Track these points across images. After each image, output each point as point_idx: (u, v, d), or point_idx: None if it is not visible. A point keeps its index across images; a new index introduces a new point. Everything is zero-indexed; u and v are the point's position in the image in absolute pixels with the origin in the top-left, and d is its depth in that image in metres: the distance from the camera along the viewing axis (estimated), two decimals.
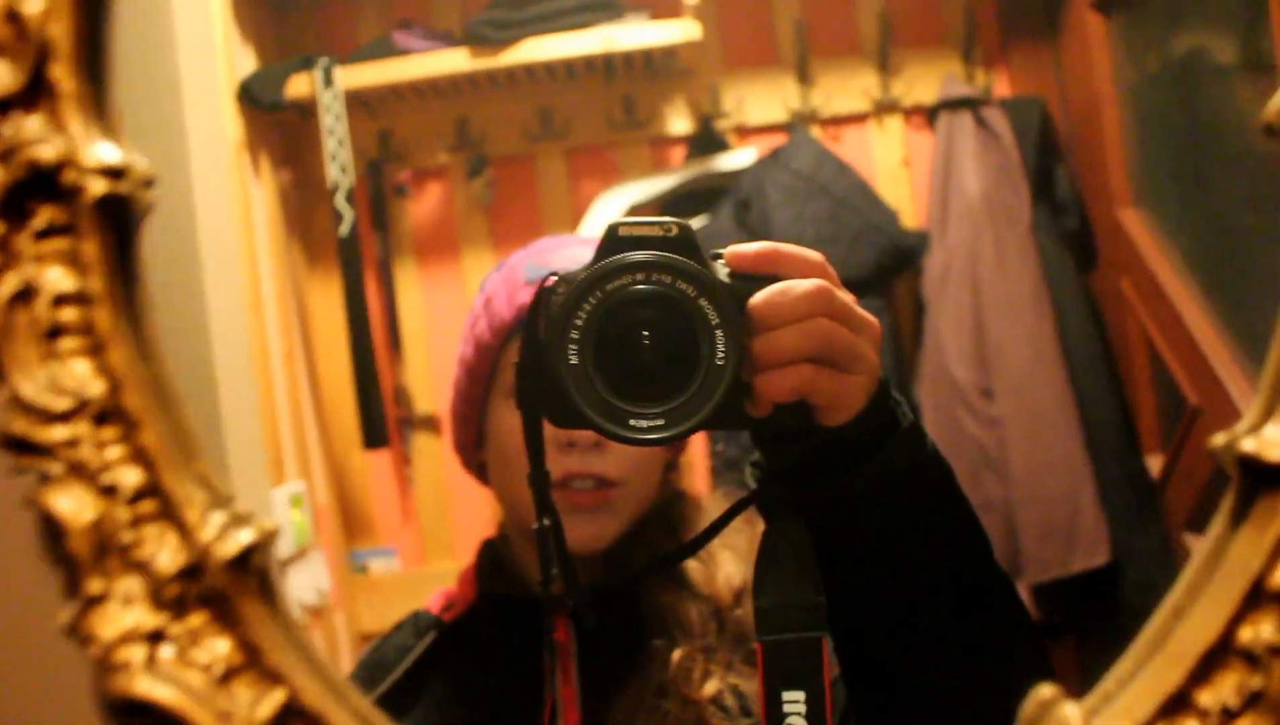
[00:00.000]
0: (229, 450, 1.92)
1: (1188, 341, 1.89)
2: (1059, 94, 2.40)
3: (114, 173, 0.37)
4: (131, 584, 0.37)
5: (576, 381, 0.67)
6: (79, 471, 0.37)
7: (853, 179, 2.32)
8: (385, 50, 2.25)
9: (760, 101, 2.45)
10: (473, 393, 1.09)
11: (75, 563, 0.37)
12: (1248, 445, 0.38)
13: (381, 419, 2.29)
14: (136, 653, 0.37)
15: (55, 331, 0.37)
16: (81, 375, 0.37)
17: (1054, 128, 2.35)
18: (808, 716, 0.70)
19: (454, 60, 2.23)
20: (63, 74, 0.38)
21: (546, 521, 0.84)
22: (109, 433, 0.38)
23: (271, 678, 0.38)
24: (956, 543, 0.77)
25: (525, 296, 1.03)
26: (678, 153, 2.47)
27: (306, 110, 2.23)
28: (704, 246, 0.69)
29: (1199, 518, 1.98)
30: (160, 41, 1.86)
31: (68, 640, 0.37)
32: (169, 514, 0.38)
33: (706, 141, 2.42)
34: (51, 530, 0.37)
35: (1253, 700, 0.37)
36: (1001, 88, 2.45)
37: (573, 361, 0.67)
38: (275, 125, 2.33)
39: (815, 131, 2.42)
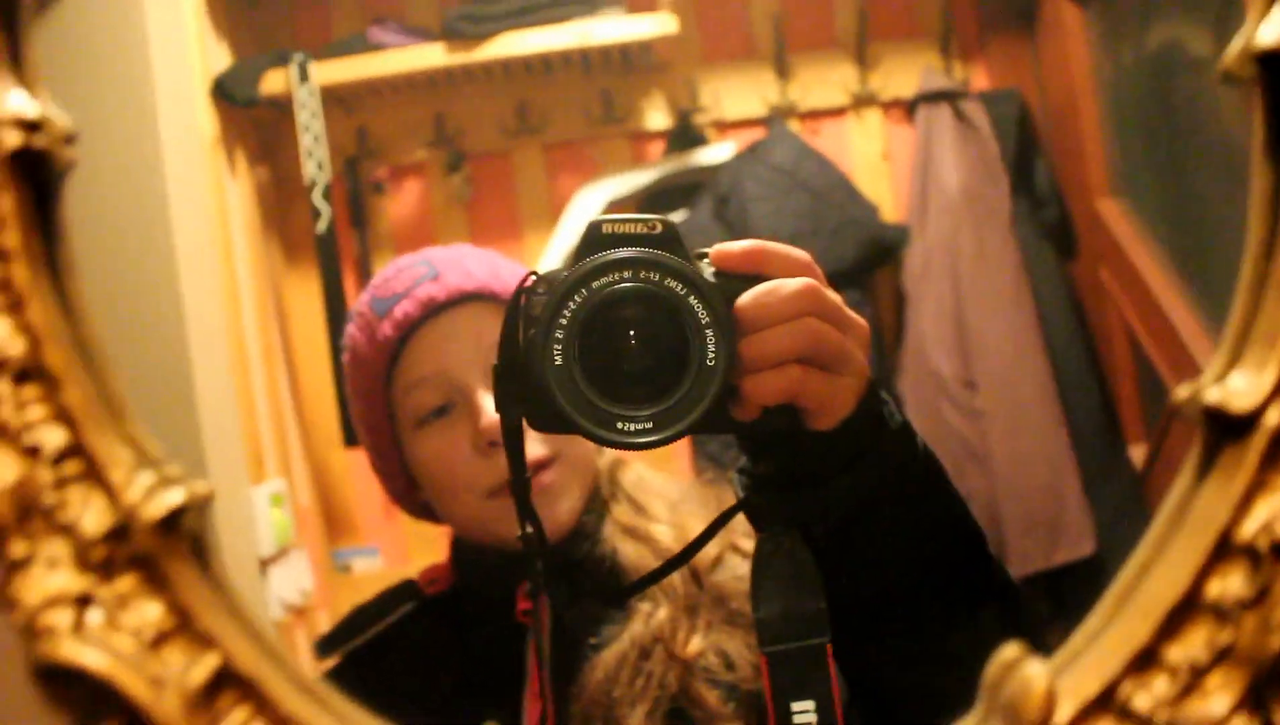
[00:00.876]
0: (207, 448, 1.90)
1: (1168, 330, 1.89)
2: (1037, 86, 2.40)
3: (30, 126, 0.36)
4: (57, 547, 0.36)
5: (560, 383, 0.65)
6: (0, 432, 0.36)
7: (832, 173, 2.31)
8: (361, 46, 2.24)
9: (738, 96, 2.44)
10: (381, 444, 1.08)
11: None
12: (1212, 396, 0.37)
13: None
14: (63, 617, 0.35)
15: None
16: (0, 334, 0.36)
17: (1032, 120, 2.35)
18: None
19: (430, 55, 2.22)
20: None
21: (529, 529, 0.82)
22: (30, 392, 0.36)
23: (204, 642, 0.36)
24: (951, 539, 0.76)
25: (386, 329, 1.03)
26: (656, 148, 2.46)
27: (282, 106, 2.22)
28: (688, 244, 0.67)
29: None
30: (133, 38, 1.84)
31: None
32: (94, 475, 0.36)
33: (685, 136, 2.41)
34: None
35: (1222, 655, 0.36)
36: (980, 81, 2.45)
37: (557, 362, 0.65)
38: (250, 122, 2.31)
39: (794, 126, 2.42)
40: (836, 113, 2.45)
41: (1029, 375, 2.19)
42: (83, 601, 0.36)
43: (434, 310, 1.04)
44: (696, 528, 0.84)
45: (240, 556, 1.98)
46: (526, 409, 0.70)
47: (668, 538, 1.02)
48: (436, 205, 2.48)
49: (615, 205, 2.33)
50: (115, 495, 0.36)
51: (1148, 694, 0.36)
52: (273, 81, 2.19)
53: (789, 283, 0.66)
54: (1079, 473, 2.12)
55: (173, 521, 0.36)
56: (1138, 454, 2.17)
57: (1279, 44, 0.37)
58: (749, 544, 0.80)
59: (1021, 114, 2.31)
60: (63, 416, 0.36)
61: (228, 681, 0.36)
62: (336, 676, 1.07)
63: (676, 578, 0.99)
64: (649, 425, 0.65)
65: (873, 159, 2.45)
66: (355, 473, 2.50)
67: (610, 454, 1.09)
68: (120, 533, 0.36)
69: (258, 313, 2.25)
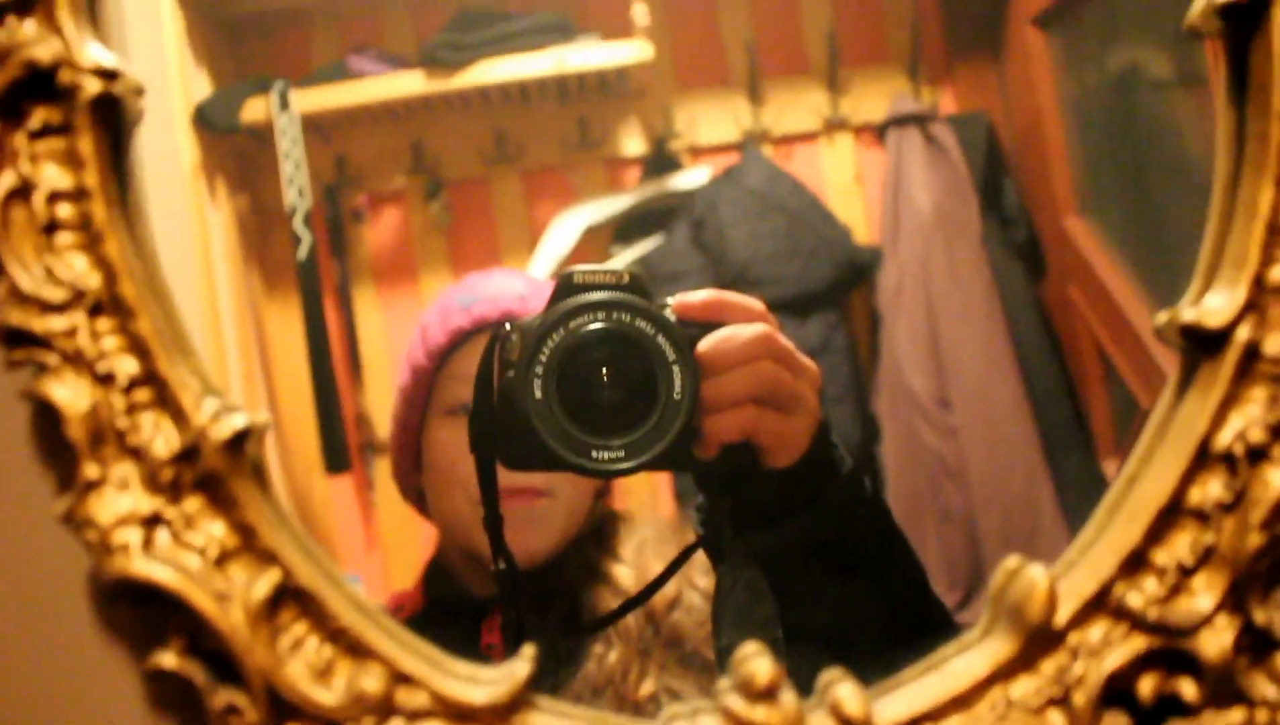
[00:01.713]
0: None
1: (1136, 345, 1.94)
2: (1004, 108, 2.46)
3: (108, 75, 0.39)
4: (127, 469, 0.38)
5: (540, 415, 0.70)
6: (76, 361, 0.38)
7: (806, 196, 2.35)
8: (340, 74, 2.27)
9: (712, 121, 2.48)
10: (410, 419, 1.14)
11: (72, 450, 0.38)
12: (1188, 315, 0.40)
13: (343, 444, 2.28)
14: (133, 535, 0.38)
15: (52, 227, 0.38)
16: (78, 268, 0.38)
17: (1000, 142, 2.40)
18: None
19: (409, 83, 2.25)
20: None
21: (503, 564, 0.87)
22: (105, 323, 0.39)
23: (266, 558, 0.39)
24: (894, 578, 0.81)
25: (459, 320, 1.10)
26: (633, 173, 2.50)
27: (262, 135, 2.24)
28: (654, 291, 0.73)
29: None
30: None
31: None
32: (164, 401, 0.39)
33: (660, 162, 2.44)
34: (48, 420, 0.38)
35: (1206, 557, 0.39)
36: (948, 104, 2.50)
37: (537, 396, 0.70)
38: (231, 149, 2.32)
39: (767, 150, 2.46)
40: (809, 137, 2.50)
41: (1002, 391, 2.22)
42: (152, 521, 0.38)
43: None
44: (658, 568, 0.88)
45: None
46: (502, 449, 0.75)
47: (628, 579, 1.06)
48: (416, 232, 2.50)
49: (592, 231, 2.36)
50: (185, 419, 0.38)
51: (1139, 593, 0.39)
52: (253, 109, 2.21)
53: (745, 329, 0.72)
54: (1053, 483, 2.15)
55: (237, 444, 0.38)
56: (1110, 469, 2.21)
57: None
58: (706, 582, 0.85)
59: (989, 136, 2.36)
60: (135, 347, 0.39)
61: (289, 596, 0.39)
62: None
63: (631, 619, 1.03)
64: (621, 453, 0.70)
65: (845, 182, 2.50)
66: (337, 500, 2.50)
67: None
68: (187, 455, 0.38)
69: (239, 339, 2.26)
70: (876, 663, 0.77)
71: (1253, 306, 0.39)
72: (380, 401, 2.48)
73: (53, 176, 0.38)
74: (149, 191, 1.60)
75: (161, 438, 0.39)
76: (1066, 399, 2.25)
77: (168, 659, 0.38)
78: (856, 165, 2.50)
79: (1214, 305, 0.40)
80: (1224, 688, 0.39)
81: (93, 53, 0.39)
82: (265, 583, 0.38)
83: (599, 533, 1.12)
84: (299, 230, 2.20)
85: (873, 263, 2.35)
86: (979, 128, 2.37)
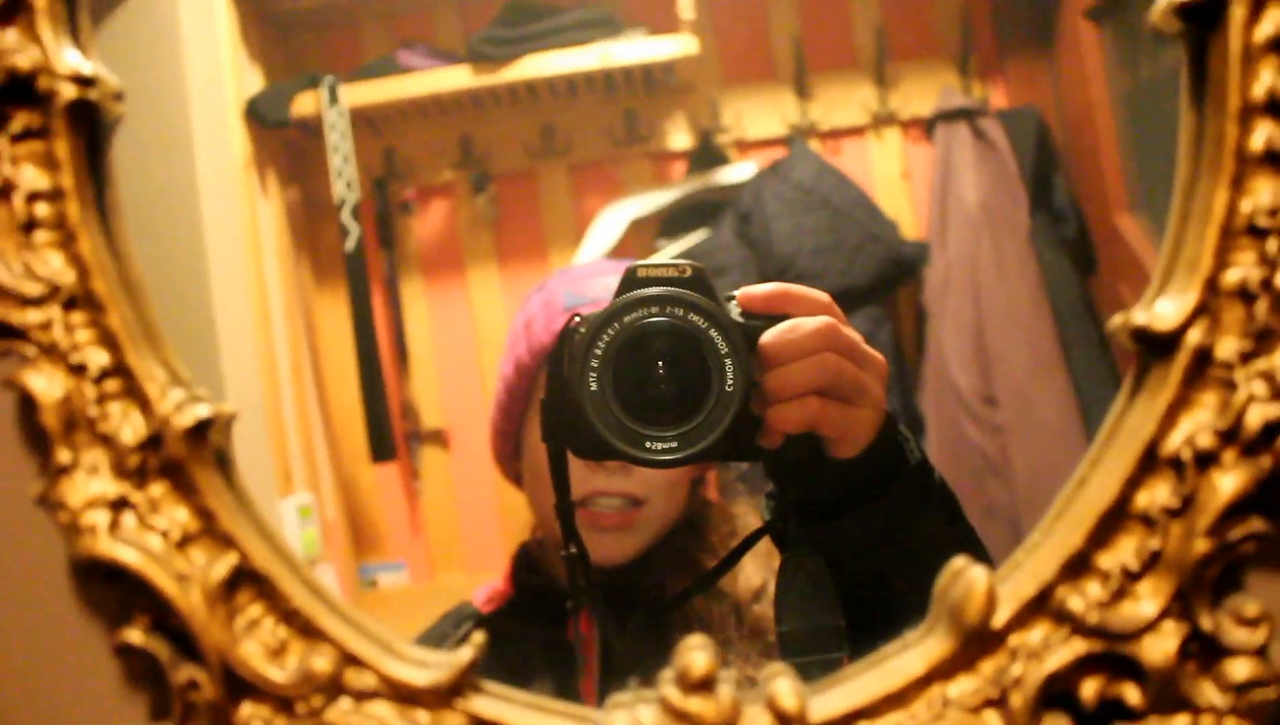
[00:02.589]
0: (237, 459, 1.94)
1: None
2: (1055, 103, 2.42)
3: (84, 81, 0.41)
4: (97, 455, 0.40)
5: (596, 407, 0.72)
6: (50, 352, 0.40)
7: (852, 191, 2.34)
8: (389, 69, 2.30)
9: (759, 116, 2.48)
10: (512, 409, 1.16)
11: (46, 436, 0.40)
12: (1139, 318, 0.40)
13: (389, 433, 2.32)
14: (101, 518, 0.40)
15: (31, 225, 0.40)
16: (54, 264, 0.40)
17: (1050, 136, 2.37)
18: None
19: (457, 78, 2.28)
20: None
21: (573, 549, 0.88)
22: (78, 317, 0.41)
23: (225, 542, 0.41)
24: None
25: (563, 322, 1.10)
26: (678, 167, 2.50)
27: (312, 128, 2.28)
28: (717, 286, 0.74)
29: None
30: (170, 62, 1.91)
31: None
32: (132, 391, 0.41)
33: (706, 156, 2.45)
34: (30, 408, 0.40)
35: (1152, 562, 0.39)
36: (998, 99, 2.47)
37: (593, 389, 0.72)
38: (282, 143, 2.37)
39: (814, 145, 2.45)
40: (856, 132, 2.49)
41: (1048, 389, 2.20)
42: (119, 504, 0.40)
43: None
44: (746, 564, 0.88)
45: None
46: (571, 438, 0.77)
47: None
48: (463, 225, 2.53)
49: (638, 225, 2.37)
50: (150, 407, 0.40)
51: (1081, 597, 0.39)
52: (303, 104, 2.25)
53: (809, 321, 0.73)
54: None
55: (200, 432, 0.40)
56: None
57: None
58: None
59: (1040, 131, 2.33)
60: (106, 340, 0.41)
61: (245, 578, 0.40)
62: None
63: (716, 611, 1.04)
64: (674, 444, 0.72)
65: (892, 177, 2.48)
66: (383, 488, 2.54)
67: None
68: (153, 443, 0.40)
69: (288, 330, 2.30)
70: None
71: (1205, 310, 0.39)
72: (426, 392, 2.52)
73: (31, 177, 0.40)
74: (201, 185, 1.65)
75: (129, 426, 0.41)
76: (1113, 398, 2.22)
77: (134, 635, 0.40)
78: (904, 160, 2.48)
79: (1164, 309, 0.40)
80: (1168, 694, 0.39)
81: (70, 60, 0.41)
82: (223, 565, 0.40)
83: (692, 522, 1.13)
84: (347, 222, 2.24)
85: (919, 258, 2.33)
86: (1029, 122, 2.34)
